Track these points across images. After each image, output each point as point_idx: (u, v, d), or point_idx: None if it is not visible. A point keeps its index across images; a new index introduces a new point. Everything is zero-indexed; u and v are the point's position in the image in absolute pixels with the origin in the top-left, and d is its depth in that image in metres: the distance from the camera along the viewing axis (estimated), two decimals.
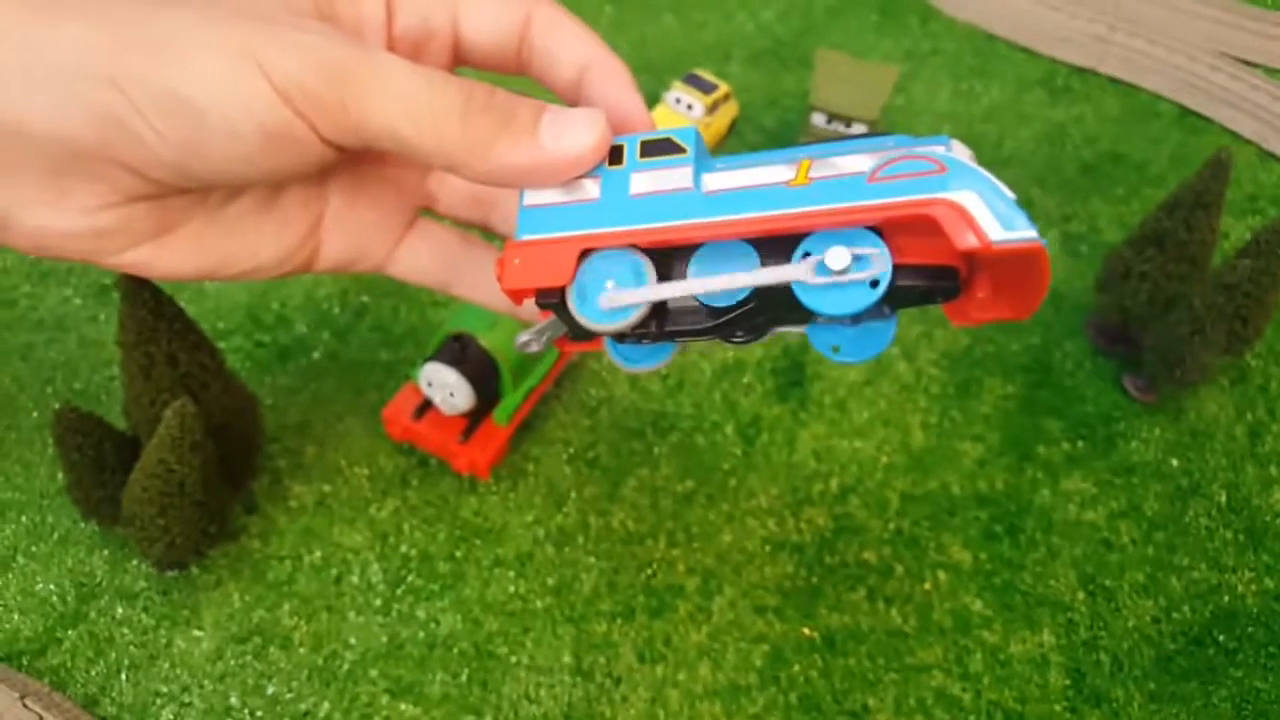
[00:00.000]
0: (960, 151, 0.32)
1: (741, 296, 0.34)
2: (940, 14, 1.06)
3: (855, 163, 0.32)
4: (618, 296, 0.34)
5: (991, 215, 0.29)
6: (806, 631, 0.62)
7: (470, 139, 0.32)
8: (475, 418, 0.65)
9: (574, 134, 0.34)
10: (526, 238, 0.35)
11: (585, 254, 0.35)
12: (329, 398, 0.71)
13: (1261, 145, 0.94)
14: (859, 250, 0.31)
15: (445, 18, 0.37)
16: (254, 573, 0.62)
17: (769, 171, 0.32)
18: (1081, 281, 0.81)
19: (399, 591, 0.62)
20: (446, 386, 0.63)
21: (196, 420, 0.52)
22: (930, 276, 0.32)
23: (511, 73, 0.40)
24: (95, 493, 0.58)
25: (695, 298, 0.35)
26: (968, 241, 0.29)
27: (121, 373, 0.57)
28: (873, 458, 0.70)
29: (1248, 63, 1.00)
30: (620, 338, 0.36)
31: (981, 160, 0.32)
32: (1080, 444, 0.72)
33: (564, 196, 0.35)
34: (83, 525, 0.63)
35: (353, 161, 0.40)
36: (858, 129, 0.83)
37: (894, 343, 0.76)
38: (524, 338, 0.40)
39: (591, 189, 0.34)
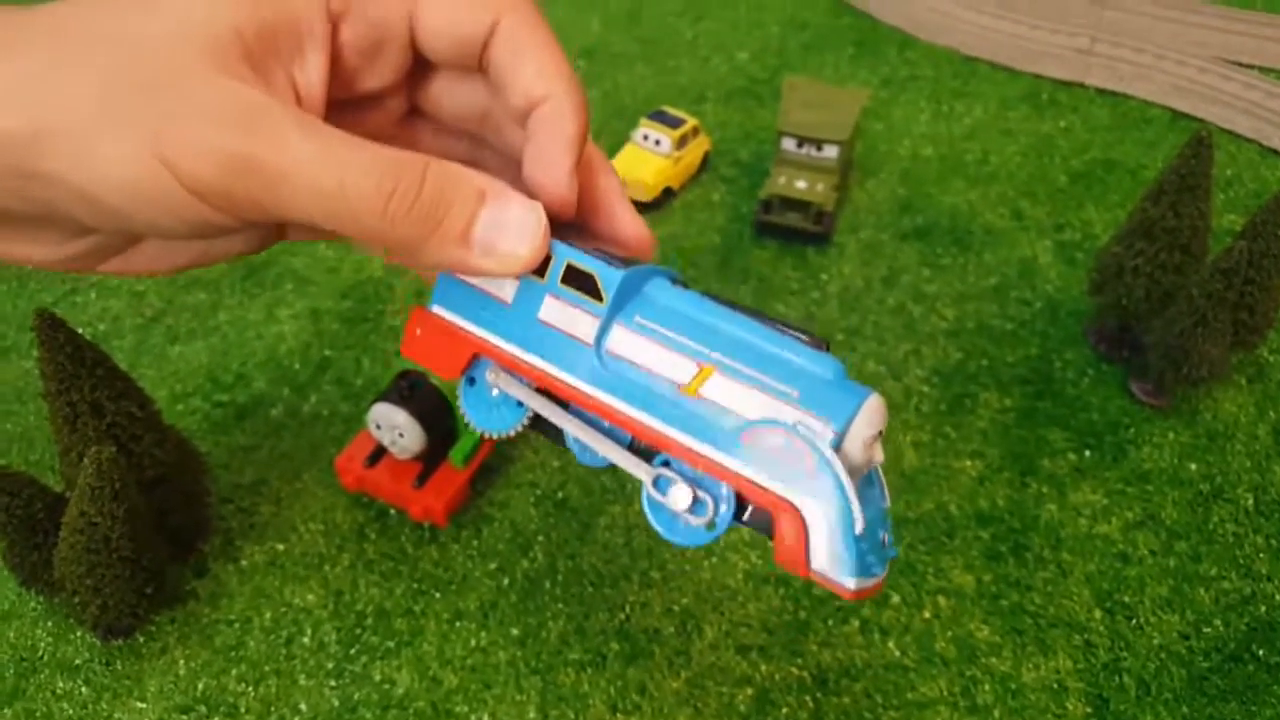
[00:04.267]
0: (870, 417, 0.30)
1: (599, 461, 0.35)
2: (918, 41, 1.04)
3: (746, 403, 0.31)
4: (503, 386, 0.35)
5: (825, 542, 0.29)
6: (795, 670, 0.57)
7: (394, 239, 0.30)
8: (430, 461, 0.62)
9: (507, 247, 0.32)
10: (437, 310, 0.35)
11: (479, 354, 0.35)
12: (286, 454, 0.68)
13: (1262, 142, 0.90)
14: (706, 495, 0.31)
15: (400, 17, 0.34)
16: (201, 638, 0.59)
17: (672, 363, 0.32)
18: (1078, 289, 0.77)
19: (353, 651, 0.58)
20: (395, 427, 0.59)
21: (115, 467, 0.50)
22: (769, 530, 0.31)
23: (476, 77, 0.37)
24: (30, 556, 0.55)
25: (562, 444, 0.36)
26: (787, 556, 0.29)
27: (50, 428, 0.55)
28: None
29: (1241, 64, 0.97)
30: None
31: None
32: (1087, 454, 0.66)
33: (483, 283, 0.35)
34: (28, 598, 0.60)
35: None
36: (829, 151, 0.80)
37: (880, 367, 0.72)
38: None
39: (508, 290, 0.34)
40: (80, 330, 0.54)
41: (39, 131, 0.27)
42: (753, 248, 0.82)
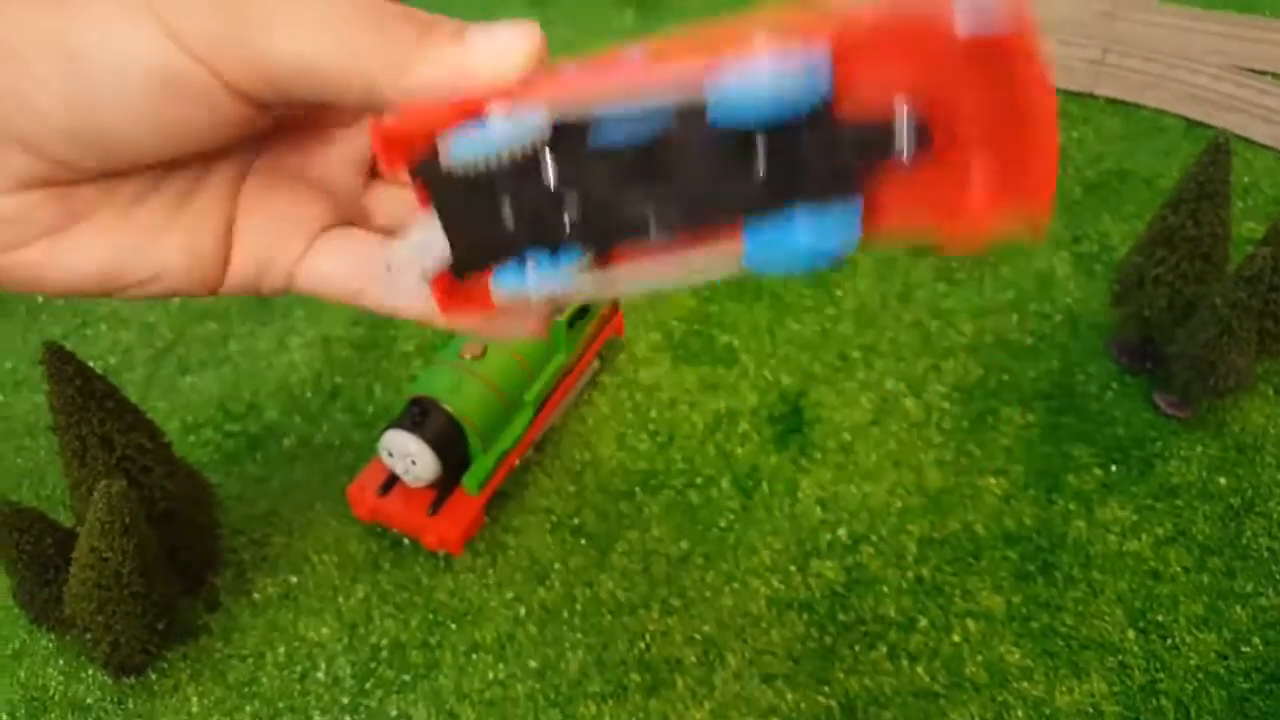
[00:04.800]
0: None
1: (648, 129, 0.28)
2: None
3: None
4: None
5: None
6: (822, 699, 0.55)
7: (387, 52, 0.30)
8: (444, 489, 0.61)
9: (505, 41, 0.31)
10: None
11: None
12: (299, 484, 0.67)
13: (1279, 149, 0.88)
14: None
15: None
16: (214, 674, 0.58)
17: None
18: (1098, 301, 0.75)
19: (368, 685, 0.57)
20: (407, 455, 0.58)
21: (125, 501, 0.49)
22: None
23: None
24: (40, 594, 0.55)
25: (592, 144, 0.29)
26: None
27: (60, 462, 0.54)
28: (885, 502, 0.64)
29: (1255, 71, 0.96)
30: (507, 251, 0.31)
31: None
32: (1114, 469, 0.65)
33: None
34: (39, 636, 0.59)
35: (275, 154, 0.38)
36: None
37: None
38: (396, 252, 0.32)
39: None
40: (92, 363, 0.53)
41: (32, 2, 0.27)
42: None
